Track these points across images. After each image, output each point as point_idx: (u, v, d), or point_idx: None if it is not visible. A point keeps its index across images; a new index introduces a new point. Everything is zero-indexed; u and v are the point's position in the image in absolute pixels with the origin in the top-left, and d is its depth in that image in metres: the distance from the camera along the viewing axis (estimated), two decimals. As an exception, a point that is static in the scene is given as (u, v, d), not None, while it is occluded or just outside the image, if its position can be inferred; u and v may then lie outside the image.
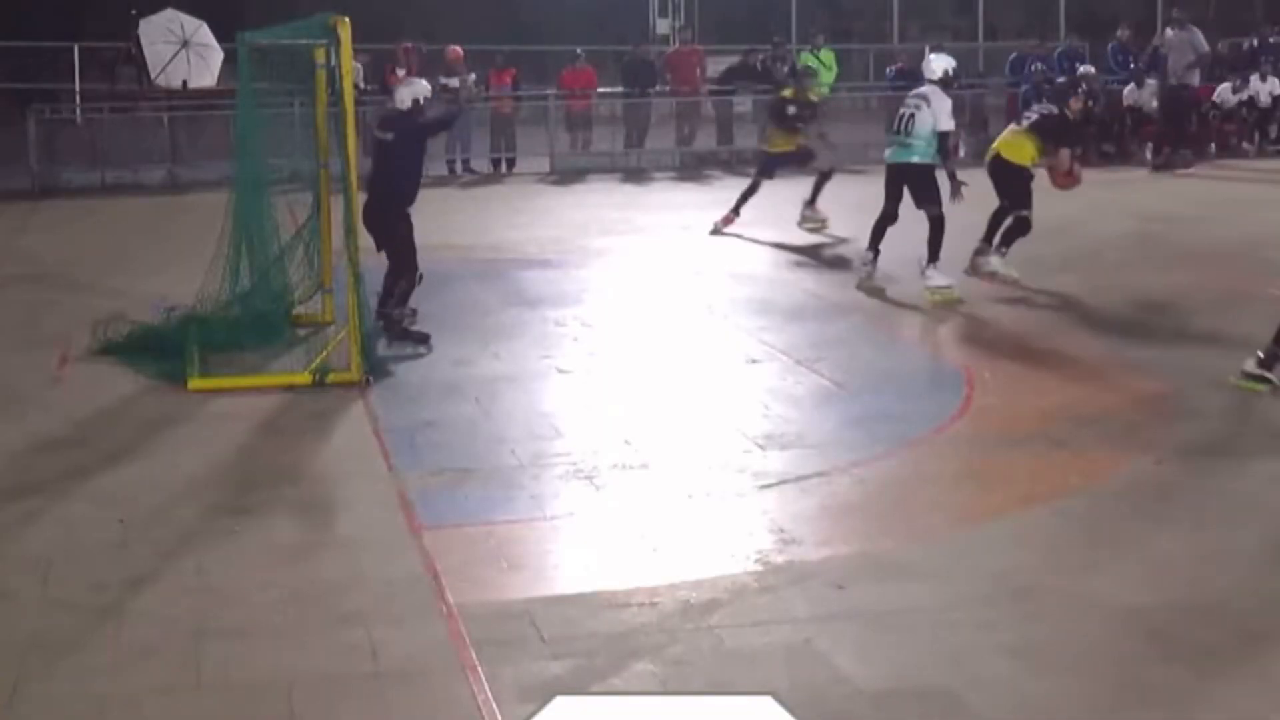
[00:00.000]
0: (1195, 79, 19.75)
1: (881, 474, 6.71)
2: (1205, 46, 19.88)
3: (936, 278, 10.64)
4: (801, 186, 14.56)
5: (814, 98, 14.87)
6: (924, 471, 6.78)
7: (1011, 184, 11.08)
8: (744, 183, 14.53)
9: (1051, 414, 7.67)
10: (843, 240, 13.53)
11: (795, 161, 14.53)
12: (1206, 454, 6.97)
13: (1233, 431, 7.41)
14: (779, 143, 14.49)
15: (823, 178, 14.30)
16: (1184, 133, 19.99)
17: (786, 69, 22.19)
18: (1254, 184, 18.35)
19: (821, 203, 14.35)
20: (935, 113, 10.71)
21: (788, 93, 14.78)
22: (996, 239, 11.16)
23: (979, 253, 11.25)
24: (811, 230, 14.02)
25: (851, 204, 14.52)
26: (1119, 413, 7.71)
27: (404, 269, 9.41)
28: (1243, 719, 4.41)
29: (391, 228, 9.38)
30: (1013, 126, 11.67)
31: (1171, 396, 8.02)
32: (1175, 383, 8.24)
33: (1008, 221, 11.14)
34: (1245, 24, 26.77)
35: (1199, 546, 5.77)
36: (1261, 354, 7.93)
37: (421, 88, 9.73)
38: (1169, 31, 20.11)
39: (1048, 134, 11.13)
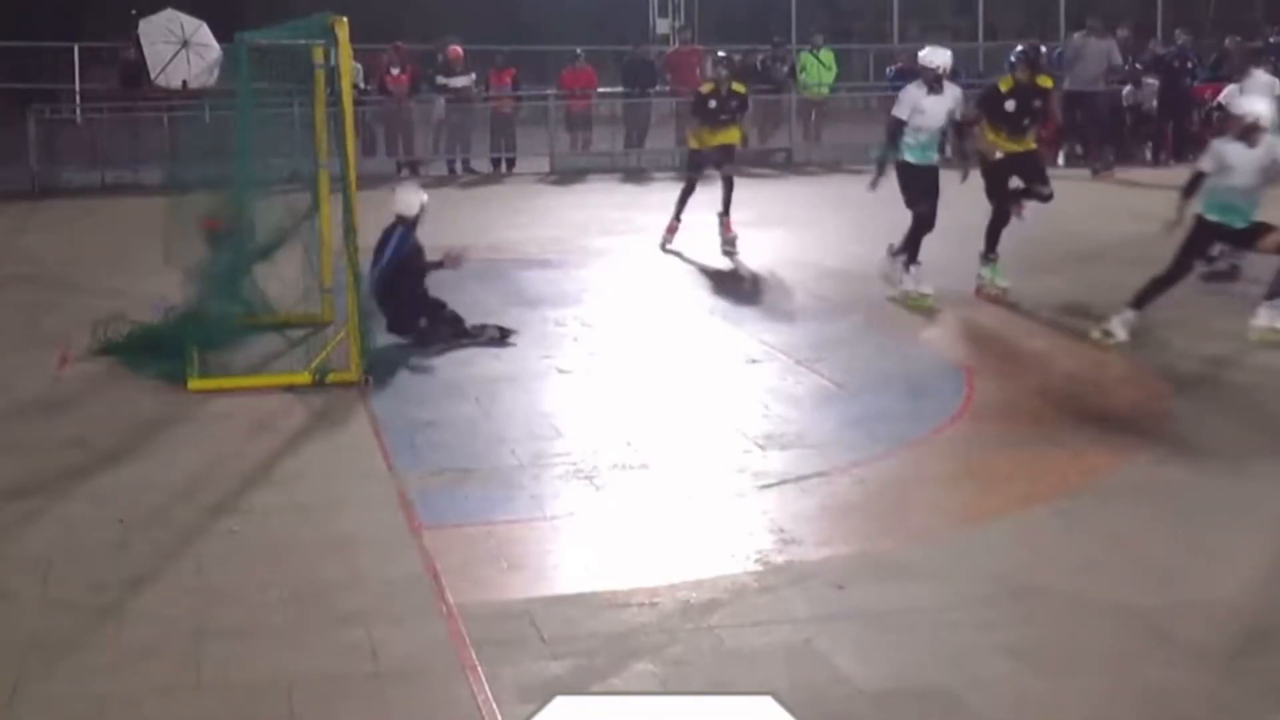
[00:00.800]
0: (1100, 87, 19.74)
1: (881, 474, 6.72)
2: (1119, 59, 19.84)
3: (909, 281, 10.67)
4: (793, 186, 14.56)
5: (740, 89, 13.86)
6: (924, 471, 6.78)
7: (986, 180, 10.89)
8: (743, 183, 14.46)
9: (1051, 414, 7.67)
10: (845, 241, 13.54)
11: (719, 159, 13.56)
12: (1206, 454, 6.97)
13: (1233, 431, 7.40)
14: (705, 138, 13.60)
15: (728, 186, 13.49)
16: (1095, 137, 19.95)
17: (786, 69, 22.22)
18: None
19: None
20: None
21: (706, 88, 13.91)
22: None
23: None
24: (729, 253, 13.14)
25: (849, 203, 14.53)
26: (1119, 413, 7.72)
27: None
28: (1243, 719, 4.41)
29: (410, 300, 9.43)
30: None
31: (1171, 396, 8.02)
32: (1175, 383, 8.24)
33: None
34: (1245, 24, 26.78)
35: (1199, 546, 5.77)
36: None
37: (423, 197, 9.64)
38: (1079, 36, 19.97)
39: (981, 106, 10.92)
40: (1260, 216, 9.19)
